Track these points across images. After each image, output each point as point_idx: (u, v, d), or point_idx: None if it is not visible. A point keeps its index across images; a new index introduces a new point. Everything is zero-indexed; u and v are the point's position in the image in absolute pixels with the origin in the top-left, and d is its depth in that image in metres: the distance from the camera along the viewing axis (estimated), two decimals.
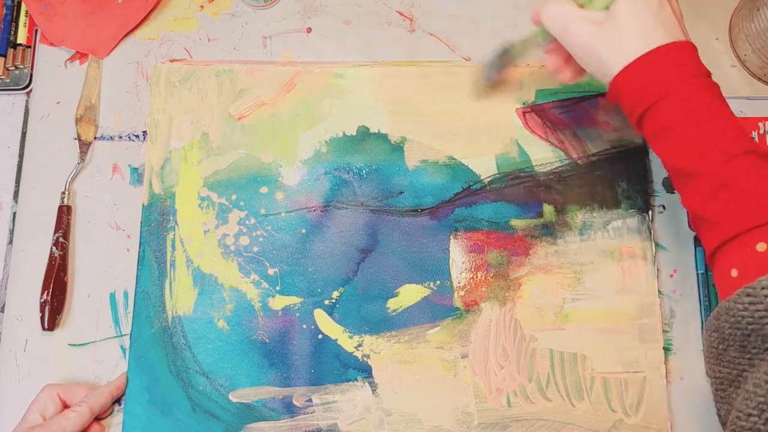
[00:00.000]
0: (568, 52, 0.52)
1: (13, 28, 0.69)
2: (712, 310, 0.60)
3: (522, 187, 0.64)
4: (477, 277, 0.62)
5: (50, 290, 0.60)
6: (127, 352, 0.60)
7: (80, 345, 0.61)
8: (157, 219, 0.63)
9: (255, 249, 0.62)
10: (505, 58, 0.61)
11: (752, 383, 0.39)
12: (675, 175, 0.48)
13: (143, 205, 0.63)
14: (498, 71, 0.63)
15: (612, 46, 0.47)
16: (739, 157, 0.44)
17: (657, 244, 0.63)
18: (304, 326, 0.61)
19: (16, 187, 0.65)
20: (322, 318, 0.61)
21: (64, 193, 0.63)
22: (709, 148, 0.45)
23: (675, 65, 0.46)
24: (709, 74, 0.47)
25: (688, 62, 0.46)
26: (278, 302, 0.61)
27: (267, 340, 0.60)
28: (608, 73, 0.48)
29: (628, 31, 0.47)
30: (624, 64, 0.47)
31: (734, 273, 0.42)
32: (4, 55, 0.68)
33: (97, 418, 0.58)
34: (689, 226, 0.62)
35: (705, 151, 0.45)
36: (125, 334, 0.61)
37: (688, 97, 0.45)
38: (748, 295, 0.40)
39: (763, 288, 0.39)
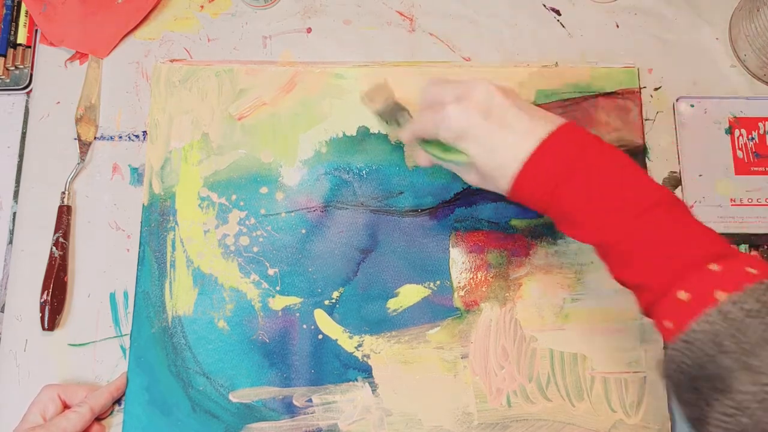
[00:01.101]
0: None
1: (13, 28, 0.69)
2: None
3: None
4: (477, 277, 0.62)
5: (50, 290, 0.60)
6: (127, 352, 0.60)
7: (80, 345, 0.61)
8: (157, 219, 0.63)
9: (255, 249, 0.62)
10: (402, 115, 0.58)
11: (713, 423, 0.40)
12: (596, 250, 0.48)
13: (143, 205, 0.63)
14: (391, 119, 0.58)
15: (498, 174, 0.48)
16: (641, 216, 0.44)
17: None
18: (304, 326, 0.61)
19: (16, 187, 0.65)
20: (322, 318, 0.61)
21: (64, 193, 0.63)
22: (606, 220, 0.45)
23: (554, 158, 0.47)
24: (591, 143, 0.47)
25: (569, 144, 0.47)
26: (278, 302, 0.61)
27: (267, 340, 0.60)
28: (505, 189, 0.50)
29: (497, 163, 0.48)
30: (509, 184, 0.48)
31: (668, 324, 0.43)
32: (4, 55, 0.68)
33: (98, 419, 0.58)
34: None
35: (608, 220, 0.45)
36: (125, 334, 0.61)
37: (572, 183, 0.46)
38: (684, 341, 0.41)
39: (694, 332, 0.40)
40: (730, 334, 0.39)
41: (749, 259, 0.43)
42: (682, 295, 0.42)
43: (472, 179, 0.52)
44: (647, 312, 0.46)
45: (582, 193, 0.46)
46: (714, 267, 0.42)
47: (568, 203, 0.47)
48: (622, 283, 0.48)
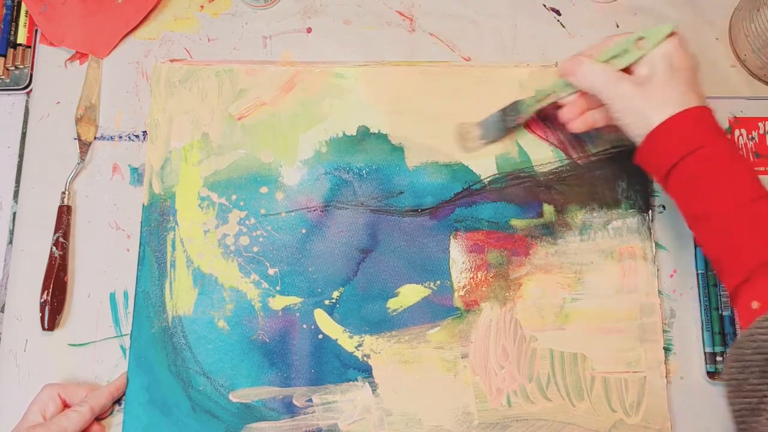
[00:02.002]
0: (583, 105, 0.58)
1: (13, 28, 0.69)
2: (712, 309, 0.61)
3: (522, 187, 0.64)
4: (477, 277, 0.62)
5: (50, 290, 0.60)
6: (127, 352, 0.60)
7: (80, 345, 0.61)
8: (157, 219, 0.63)
9: (255, 249, 0.62)
10: (511, 116, 0.62)
11: None
12: (697, 222, 0.53)
13: (143, 205, 0.63)
14: (501, 130, 0.63)
15: (653, 103, 0.53)
16: (758, 201, 0.49)
17: (657, 244, 0.63)
18: (305, 326, 0.61)
19: (16, 187, 0.65)
20: (322, 318, 0.61)
21: (64, 193, 0.63)
22: (729, 193, 0.50)
23: (707, 123, 0.52)
24: (725, 132, 0.53)
25: (713, 122, 0.53)
26: (278, 302, 0.61)
27: (267, 340, 0.60)
28: (646, 125, 0.53)
29: (668, 92, 0.53)
30: (664, 117, 0.52)
31: (755, 305, 0.46)
32: (4, 55, 0.68)
33: (98, 418, 0.58)
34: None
35: (726, 195, 0.50)
36: (125, 334, 0.61)
37: (715, 151, 0.51)
38: None
39: None
40: None
41: None
42: None
43: (624, 96, 0.54)
44: (733, 293, 0.49)
45: (717, 161, 0.51)
46: None
47: (702, 165, 0.51)
48: (716, 255, 0.51)
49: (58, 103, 0.67)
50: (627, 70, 0.55)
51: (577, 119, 0.59)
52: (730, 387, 0.47)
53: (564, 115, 0.59)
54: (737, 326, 0.60)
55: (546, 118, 0.65)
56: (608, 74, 0.55)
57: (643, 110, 0.53)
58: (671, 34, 0.53)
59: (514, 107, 0.62)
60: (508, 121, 0.63)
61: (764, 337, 0.43)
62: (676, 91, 0.53)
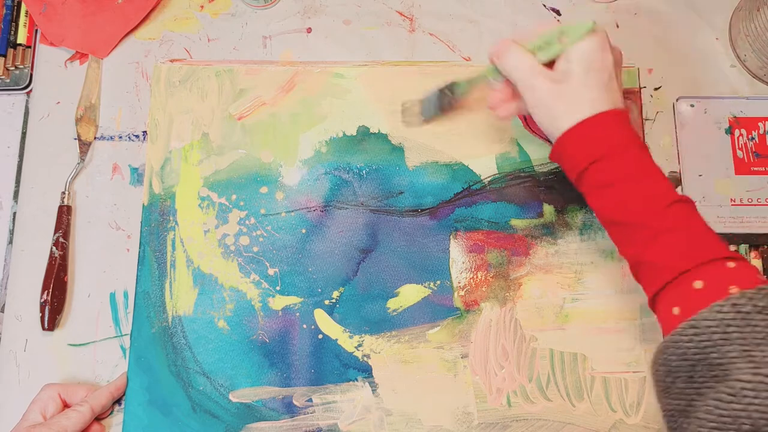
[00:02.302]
0: (509, 93, 0.56)
1: (13, 28, 0.69)
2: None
3: (522, 187, 0.64)
4: (477, 277, 0.62)
5: (50, 290, 0.60)
6: (127, 352, 0.60)
7: (80, 345, 0.61)
8: (157, 219, 0.63)
9: (255, 249, 0.62)
10: (447, 96, 0.61)
11: (703, 410, 0.41)
12: (613, 228, 0.52)
13: (143, 205, 0.63)
14: (438, 109, 0.62)
15: (564, 105, 0.51)
16: (671, 206, 0.48)
17: None
18: (305, 326, 0.61)
19: (16, 187, 0.65)
20: (322, 318, 0.61)
21: (64, 193, 0.63)
22: (646, 200, 0.49)
23: (615, 129, 0.51)
24: (639, 136, 0.52)
25: (626, 127, 0.51)
26: (278, 302, 0.61)
27: (267, 340, 0.60)
28: (556, 127, 0.52)
29: (580, 95, 0.51)
30: (573, 123, 0.51)
31: (676, 311, 0.45)
32: (4, 55, 0.68)
33: (98, 418, 0.58)
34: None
35: (643, 203, 0.49)
36: (125, 334, 0.61)
37: (626, 157, 0.50)
38: (692, 327, 0.43)
39: (704, 320, 0.43)
40: (738, 326, 0.42)
41: (756, 268, 0.46)
42: (698, 284, 0.45)
43: (538, 92, 0.53)
44: (653, 298, 0.48)
45: (628, 167, 0.50)
46: (731, 264, 0.45)
47: (612, 172, 0.50)
48: (635, 262, 0.50)
49: (58, 103, 0.67)
50: (551, 63, 0.53)
51: (501, 106, 0.57)
52: (658, 388, 0.46)
53: (489, 100, 0.57)
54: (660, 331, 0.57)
55: None
56: (526, 65, 0.53)
57: (553, 111, 0.52)
58: (592, 32, 0.51)
59: (450, 87, 0.61)
60: (444, 102, 0.61)
61: (689, 345, 0.43)
62: (589, 96, 0.51)
